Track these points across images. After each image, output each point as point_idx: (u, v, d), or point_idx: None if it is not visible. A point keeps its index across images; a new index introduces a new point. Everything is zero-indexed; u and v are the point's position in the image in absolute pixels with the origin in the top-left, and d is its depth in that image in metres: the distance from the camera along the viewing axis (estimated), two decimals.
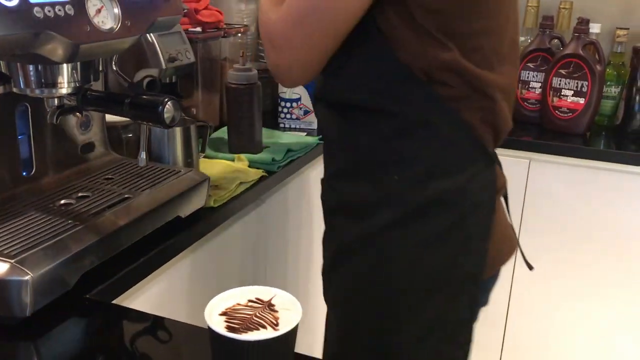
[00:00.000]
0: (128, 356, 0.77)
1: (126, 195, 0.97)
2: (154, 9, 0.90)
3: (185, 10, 1.45)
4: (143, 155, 0.97)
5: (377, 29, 0.80)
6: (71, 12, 0.77)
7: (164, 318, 0.81)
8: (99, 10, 0.82)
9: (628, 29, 1.84)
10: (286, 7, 0.80)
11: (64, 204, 0.93)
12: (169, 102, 0.81)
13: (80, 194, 0.96)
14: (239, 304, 0.63)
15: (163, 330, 0.82)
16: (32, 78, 0.83)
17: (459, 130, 0.84)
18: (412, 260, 0.86)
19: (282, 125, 1.74)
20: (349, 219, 0.90)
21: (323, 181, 0.99)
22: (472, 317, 0.92)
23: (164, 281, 1.01)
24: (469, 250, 0.88)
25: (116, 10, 0.84)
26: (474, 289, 0.90)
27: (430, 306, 0.88)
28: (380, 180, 0.86)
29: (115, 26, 0.83)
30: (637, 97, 1.79)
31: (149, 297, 0.98)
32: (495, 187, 0.90)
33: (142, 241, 0.94)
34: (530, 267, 1.03)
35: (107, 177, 1.03)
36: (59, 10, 0.75)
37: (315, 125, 1.73)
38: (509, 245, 0.97)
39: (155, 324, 0.82)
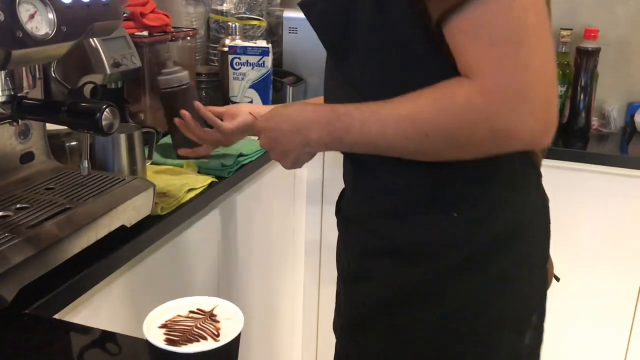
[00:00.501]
0: None
1: (67, 206, 0.94)
2: (92, 13, 0.88)
3: (127, 15, 1.42)
4: (85, 163, 0.95)
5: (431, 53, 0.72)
6: (1, 17, 0.74)
7: (110, 332, 0.79)
8: (32, 16, 0.79)
9: (572, 29, 1.88)
10: (504, 64, 0.65)
11: (1, 216, 0.89)
12: (107, 109, 0.79)
13: (18, 205, 0.93)
14: (179, 316, 0.61)
15: (109, 345, 0.79)
16: None
17: (523, 160, 0.79)
18: (482, 303, 0.81)
19: None
20: (401, 264, 0.83)
21: (348, 221, 0.91)
22: (540, 343, 0.88)
23: (108, 294, 0.99)
24: (533, 281, 0.85)
25: (51, 16, 0.81)
26: (541, 317, 0.87)
27: (502, 348, 0.83)
28: (441, 220, 0.80)
29: (50, 32, 0.81)
30: (582, 96, 1.84)
31: (93, 310, 0.95)
32: (548, 208, 0.87)
33: (85, 252, 0.92)
34: (557, 279, 0.98)
35: (48, 187, 1.00)
36: None
37: None
38: (551, 263, 0.93)
39: (100, 338, 0.80)
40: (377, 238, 0.84)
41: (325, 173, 1.83)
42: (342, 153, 0.91)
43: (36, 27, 0.79)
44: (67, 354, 0.79)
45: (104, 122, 0.79)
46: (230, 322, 0.60)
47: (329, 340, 2.01)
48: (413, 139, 0.72)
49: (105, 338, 0.79)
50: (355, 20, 0.78)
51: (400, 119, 0.73)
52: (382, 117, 0.74)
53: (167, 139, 1.54)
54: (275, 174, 1.64)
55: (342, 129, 0.78)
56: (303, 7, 0.86)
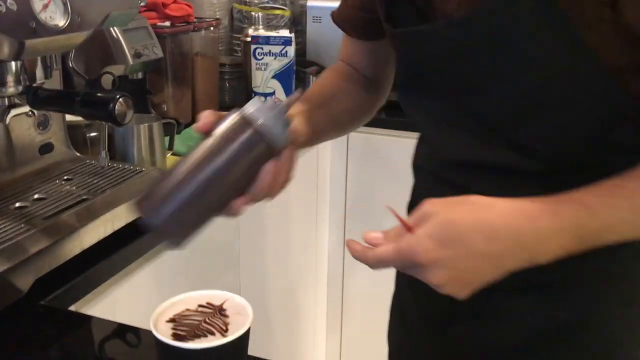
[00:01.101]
0: None
1: (84, 197, 0.93)
2: (107, 2, 0.87)
3: (144, 4, 1.41)
4: (103, 154, 0.95)
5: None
6: (14, 7, 0.74)
7: (125, 325, 0.78)
8: (45, 5, 0.78)
9: None
10: None
11: (19, 207, 0.90)
12: (120, 99, 0.78)
13: (36, 196, 0.93)
14: (188, 310, 0.60)
15: (124, 338, 0.79)
16: None
17: None
18: None
19: None
20: (545, 299, 0.69)
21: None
22: None
23: (125, 286, 0.98)
24: None
25: (65, 5, 0.80)
26: None
27: None
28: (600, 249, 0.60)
29: (64, 22, 0.80)
30: None
31: (109, 303, 0.95)
32: None
33: (102, 244, 0.91)
34: None
35: (66, 178, 1.00)
36: (0, 6, 0.72)
37: None
38: None
39: (115, 331, 0.79)
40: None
41: (348, 165, 1.81)
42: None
43: (50, 17, 0.79)
44: (82, 345, 0.78)
45: (117, 113, 0.78)
46: (240, 317, 0.59)
47: (353, 328, 1.99)
48: None
49: (121, 331, 0.78)
50: (507, 47, 0.60)
51: None
52: None
53: (190, 130, 1.53)
54: (298, 161, 1.62)
55: (600, 228, 0.57)
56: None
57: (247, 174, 0.61)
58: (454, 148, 0.70)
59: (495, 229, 0.54)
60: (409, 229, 0.54)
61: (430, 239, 0.53)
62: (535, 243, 0.55)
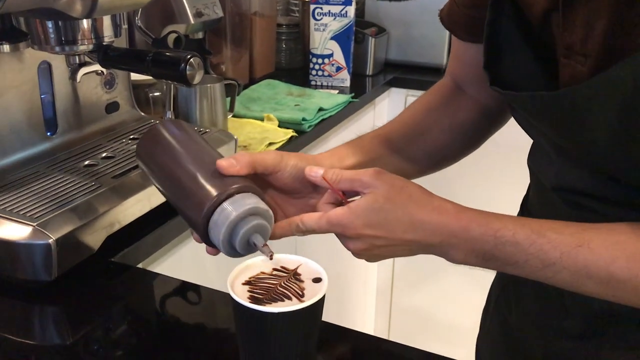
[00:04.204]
0: (153, 320, 0.76)
1: None
2: None
3: None
4: (168, 114, 0.95)
5: None
6: None
7: (190, 283, 0.79)
8: None
9: None
10: None
11: (89, 165, 0.91)
12: (191, 59, 0.77)
13: (105, 155, 0.94)
14: (263, 273, 0.60)
15: (188, 296, 0.80)
16: (51, 35, 0.80)
17: None
18: None
19: (313, 82, 1.69)
20: None
21: None
22: None
23: (190, 245, 0.99)
24: None
25: None
26: None
27: None
28: None
29: None
30: None
31: (175, 261, 0.96)
32: None
33: (169, 204, 0.92)
34: None
35: (132, 137, 1.00)
36: None
37: (347, 83, 1.68)
38: None
39: (180, 288, 0.80)
40: None
41: None
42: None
43: None
44: (147, 301, 0.80)
45: (188, 73, 0.77)
46: (315, 283, 0.58)
47: (403, 299, 1.99)
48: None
49: (184, 288, 0.80)
50: None
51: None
52: (580, 263, 0.55)
53: (248, 91, 1.52)
54: (355, 128, 1.60)
55: (505, 260, 0.58)
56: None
57: None
58: (570, 177, 0.66)
59: (415, 222, 0.58)
60: (344, 200, 0.61)
61: (359, 218, 0.58)
62: (443, 245, 0.59)
